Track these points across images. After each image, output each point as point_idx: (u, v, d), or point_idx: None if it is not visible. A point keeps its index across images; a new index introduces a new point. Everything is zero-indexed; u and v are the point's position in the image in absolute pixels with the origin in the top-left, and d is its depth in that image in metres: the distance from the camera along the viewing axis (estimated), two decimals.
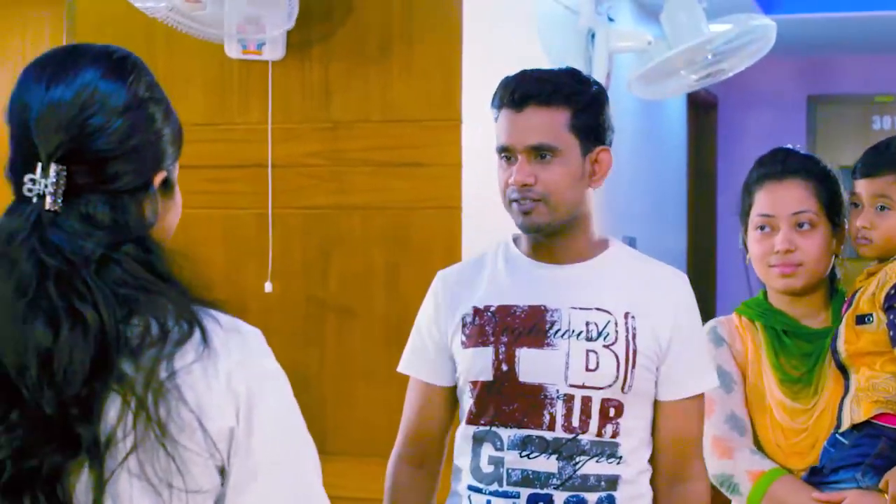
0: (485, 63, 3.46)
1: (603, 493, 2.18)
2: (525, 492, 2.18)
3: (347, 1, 3.57)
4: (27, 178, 1.41)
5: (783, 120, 7.92)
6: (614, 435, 2.19)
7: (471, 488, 2.24)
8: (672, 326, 2.22)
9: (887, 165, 2.42)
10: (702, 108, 7.58)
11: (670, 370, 2.23)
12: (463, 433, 2.28)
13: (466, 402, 2.27)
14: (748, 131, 7.83)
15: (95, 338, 1.35)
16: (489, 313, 2.25)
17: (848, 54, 7.76)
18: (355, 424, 3.54)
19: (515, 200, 2.21)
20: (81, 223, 1.41)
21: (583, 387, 2.18)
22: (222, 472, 1.43)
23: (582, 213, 2.26)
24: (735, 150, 7.62)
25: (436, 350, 2.32)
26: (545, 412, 2.18)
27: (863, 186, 2.44)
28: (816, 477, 2.40)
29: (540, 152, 2.19)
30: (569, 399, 2.18)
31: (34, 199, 1.41)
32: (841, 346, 2.38)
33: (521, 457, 2.18)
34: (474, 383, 2.24)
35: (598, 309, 2.21)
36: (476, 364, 2.23)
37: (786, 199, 2.49)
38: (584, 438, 2.18)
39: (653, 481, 2.27)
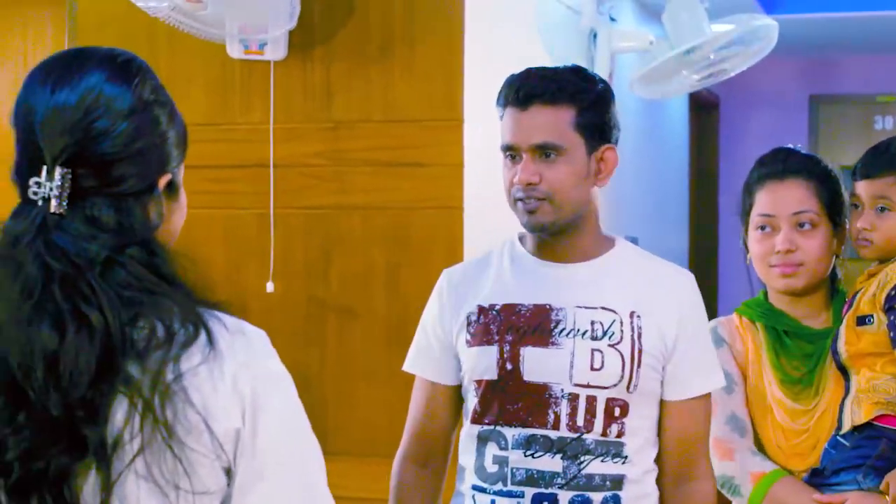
0: (486, 63, 3.46)
1: (608, 493, 2.17)
2: (530, 491, 2.17)
3: (349, 1, 3.57)
4: (32, 181, 1.42)
5: (785, 120, 7.91)
6: (619, 434, 2.18)
7: (475, 488, 2.24)
8: (678, 326, 2.21)
9: (887, 166, 2.41)
10: (704, 107, 7.57)
11: (676, 370, 2.22)
12: (467, 432, 2.27)
13: (471, 402, 2.26)
14: (750, 131, 7.82)
15: (101, 340, 1.36)
16: (494, 312, 2.24)
17: (850, 54, 7.75)
18: (356, 424, 3.54)
19: (520, 199, 2.20)
20: (86, 226, 1.41)
21: (588, 386, 2.17)
22: (228, 472, 1.43)
23: (588, 211, 2.25)
24: (737, 150, 7.61)
25: (440, 349, 2.32)
26: (550, 411, 2.17)
27: (863, 188, 2.43)
28: (817, 478, 2.39)
29: (545, 151, 2.18)
30: (573, 398, 2.17)
31: (39, 202, 1.42)
32: (841, 347, 2.37)
33: (526, 456, 2.18)
34: (479, 382, 2.23)
35: (603, 308, 2.21)
36: (480, 363, 2.23)
37: (787, 198, 2.48)
38: (589, 438, 2.17)
39: (659, 481, 2.26)
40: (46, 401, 1.35)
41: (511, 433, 2.19)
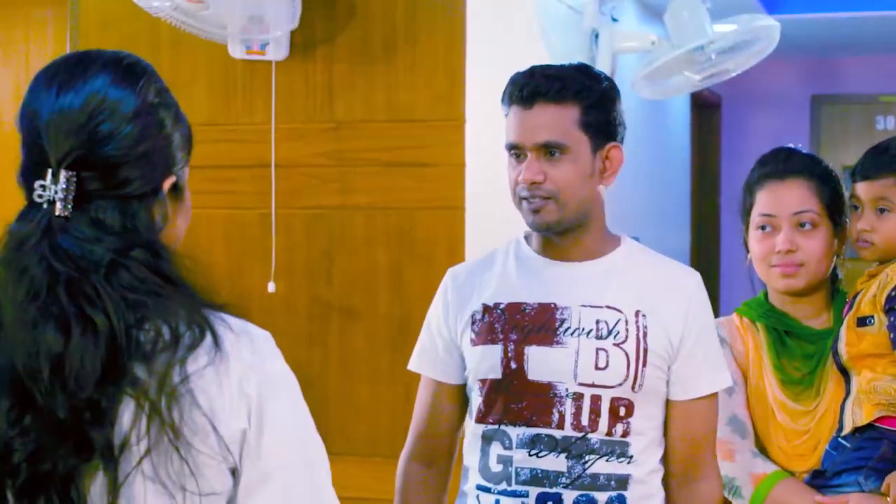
0: (488, 63, 3.46)
1: (613, 493, 2.16)
2: (534, 491, 2.16)
3: (351, 1, 3.57)
4: (37, 184, 1.43)
5: (787, 120, 7.91)
6: (625, 434, 2.17)
7: (479, 488, 2.23)
8: (684, 325, 2.20)
9: (886, 168, 2.40)
10: (705, 107, 7.57)
11: (682, 369, 2.21)
12: (472, 432, 2.26)
13: (475, 401, 2.25)
14: (752, 131, 7.82)
15: (105, 343, 1.37)
16: (498, 311, 2.23)
17: (852, 54, 7.75)
18: (358, 424, 3.54)
19: (525, 198, 2.19)
20: (91, 228, 1.42)
21: (592, 385, 2.16)
22: (234, 473, 1.44)
23: (593, 210, 2.23)
24: (739, 150, 7.61)
25: (445, 348, 2.31)
26: (554, 411, 2.16)
27: (862, 189, 2.42)
28: (819, 480, 2.39)
29: (549, 150, 2.17)
30: (578, 397, 2.16)
31: (44, 205, 1.42)
32: (842, 348, 2.37)
33: (530, 456, 2.17)
34: (483, 381, 2.22)
35: (608, 307, 2.19)
36: (485, 362, 2.22)
37: (787, 198, 2.47)
38: (594, 437, 2.16)
39: (665, 481, 2.25)
40: (52, 403, 1.36)
41: (515, 432, 2.18)
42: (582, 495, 2.15)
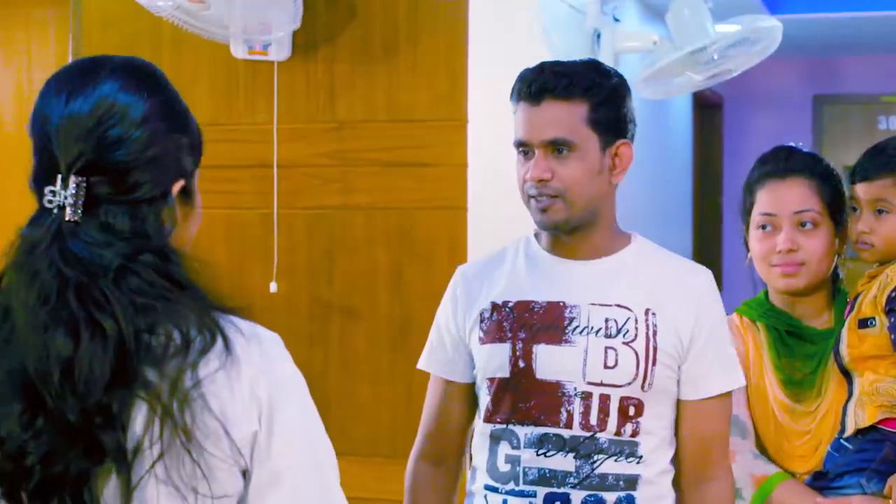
0: (490, 63, 3.46)
1: (622, 493, 2.14)
2: (542, 491, 2.14)
3: (353, 1, 3.57)
4: (47, 189, 1.44)
5: (788, 120, 7.91)
6: (634, 434, 2.15)
7: (487, 487, 2.21)
8: (694, 324, 2.17)
9: (884, 168, 2.38)
10: (707, 107, 7.57)
11: (692, 368, 2.18)
12: (480, 431, 2.25)
13: (483, 400, 2.23)
14: (754, 131, 7.82)
15: (114, 347, 1.38)
16: (507, 309, 2.21)
17: (853, 54, 7.75)
18: (359, 424, 3.54)
19: (533, 197, 2.16)
20: (101, 233, 1.43)
21: (601, 384, 2.14)
22: (245, 474, 1.45)
23: (603, 208, 2.21)
24: (740, 150, 7.61)
25: (453, 346, 2.29)
26: (562, 410, 2.14)
27: (861, 190, 2.41)
28: (820, 481, 2.38)
29: (557, 147, 2.14)
30: (587, 397, 2.14)
31: (55, 210, 1.43)
32: (844, 350, 2.36)
33: (538, 455, 2.14)
34: (491, 380, 2.20)
35: (618, 305, 2.17)
36: (493, 360, 2.20)
37: (788, 197, 2.46)
38: (603, 437, 2.14)
39: (676, 482, 2.23)
40: (63, 406, 1.37)
41: (523, 432, 2.16)
42: (590, 495, 2.13)
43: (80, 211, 1.43)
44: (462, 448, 2.37)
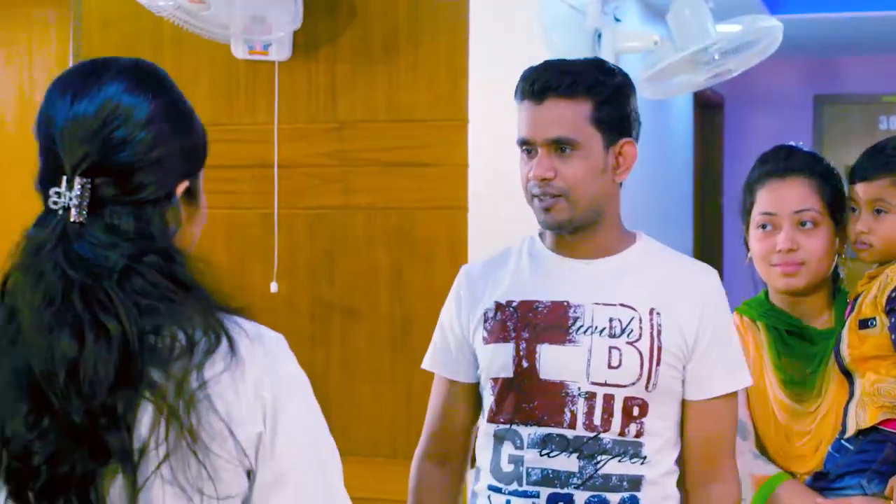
0: (491, 63, 3.46)
1: (626, 494, 2.12)
2: (545, 491, 2.13)
3: (353, 1, 3.57)
4: (52, 191, 1.44)
5: (789, 120, 7.91)
6: (638, 434, 2.14)
7: (490, 488, 2.20)
8: (699, 323, 2.16)
9: (883, 168, 2.38)
10: (708, 107, 7.57)
11: (697, 368, 2.17)
12: (484, 431, 2.24)
13: (487, 400, 2.22)
14: (754, 131, 7.82)
15: (119, 349, 1.38)
16: (511, 308, 2.20)
17: (854, 54, 7.75)
18: (360, 424, 3.54)
19: (536, 196, 2.16)
20: (106, 234, 1.43)
21: (605, 384, 2.13)
22: (250, 475, 1.46)
23: (607, 207, 2.19)
24: (741, 150, 7.61)
25: (457, 346, 2.29)
26: (566, 410, 2.13)
27: (860, 190, 2.41)
28: (821, 482, 2.38)
29: (560, 146, 2.13)
30: (590, 397, 2.13)
31: (60, 212, 1.44)
32: (844, 350, 2.35)
33: (542, 455, 2.14)
34: (495, 380, 2.20)
35: (622, 305, 2.16)
36: (496, 360, 2.19)
37: (788, 197, 2.45)
38: (606, 437, 2.12)
39: (681, 483, 2.21)
40: (68, 407, 1.38)
41: (527, 432, 2.15)
42: (594, 496, 2.12)
43: (84, 212, 1.43)
44: (467, 448, 2.36)
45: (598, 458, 2.13)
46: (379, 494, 3.16)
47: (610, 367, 2.13)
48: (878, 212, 2.38)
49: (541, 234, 2.28)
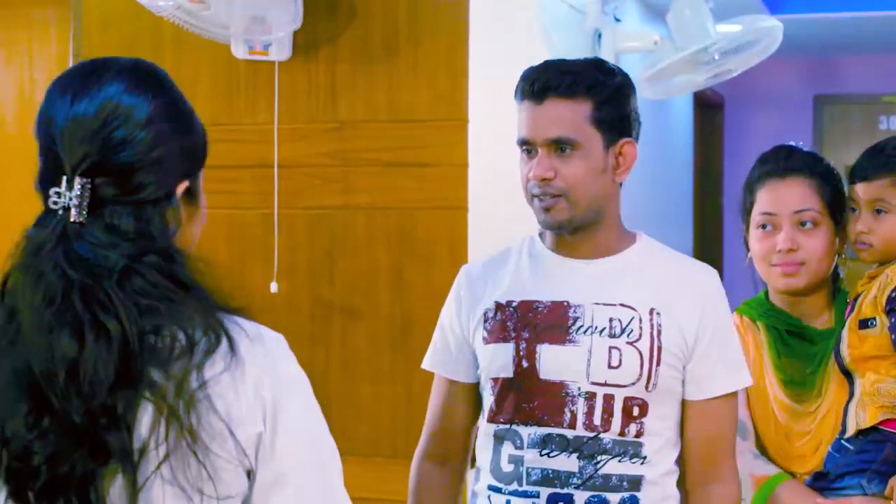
0: (491, 63, 3.46)
1: (626, 494, 2.13)
2: (545, 491, 2.13)
3: (353, 1, 3.57)
4: (52, 191, 1.44)
5: (789, 120, 7.91)
6: (638, 434, 2.14)
7: (490, 488, 2.20)
8: (699, 323, 2.16)
9: (883, 168, 2.38)
10: (708, 107, 7.57)
11: (697, 368, 2.17)
12: (484, 431, 2.24)
13: (487, 400, 2.22)
14: (754, 131, 7.82)
15: (119, 349, 1.38)
16: (511, 308, 2.20)
17: (854, 54, 7.75)
18: (360, 424, 3.54)
19: (536, 196, 2.16)
20: (106, 234, 1.43)
21: (605, 384, 2.13)
22: (250, 475, 1.46)
23: (607, 207, 2.20)
24: (741, 150, 7.61)
25: (457, 346, 2.29)
26: (566, 410, 2.13)
27: (860, 190, 2.41)
28: (821, 482, 2.38)
29: (560, 146, 2.13)
30: (590, 397, 2.13)
31: (60, 212, 1.44)
32: (844, 350, 2.35)
33: (542, 455, 2.14)
34: (495, 380, 2.20)
35: (622, 305, 2.16)
36: (496, 360, 2.19)
37: (788, 197, 2.46)
38: (606, 437, 2.13)
39: (681, 483, 2.21)
40: (68, 407, 1.38)
41: (527, 432, 2.15)
42: (594, 496, 2.12)
43: (85, 212, 1.43)
44: (467, 448, 2.36)
45: (598, 458, 2.13)
46: (379, 494, 3.16)
47: (610, 367, 2.13)
48: (878, 212, 2.38)
49: (541, 234, 2.28)
